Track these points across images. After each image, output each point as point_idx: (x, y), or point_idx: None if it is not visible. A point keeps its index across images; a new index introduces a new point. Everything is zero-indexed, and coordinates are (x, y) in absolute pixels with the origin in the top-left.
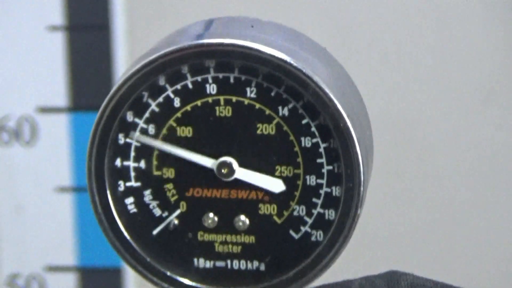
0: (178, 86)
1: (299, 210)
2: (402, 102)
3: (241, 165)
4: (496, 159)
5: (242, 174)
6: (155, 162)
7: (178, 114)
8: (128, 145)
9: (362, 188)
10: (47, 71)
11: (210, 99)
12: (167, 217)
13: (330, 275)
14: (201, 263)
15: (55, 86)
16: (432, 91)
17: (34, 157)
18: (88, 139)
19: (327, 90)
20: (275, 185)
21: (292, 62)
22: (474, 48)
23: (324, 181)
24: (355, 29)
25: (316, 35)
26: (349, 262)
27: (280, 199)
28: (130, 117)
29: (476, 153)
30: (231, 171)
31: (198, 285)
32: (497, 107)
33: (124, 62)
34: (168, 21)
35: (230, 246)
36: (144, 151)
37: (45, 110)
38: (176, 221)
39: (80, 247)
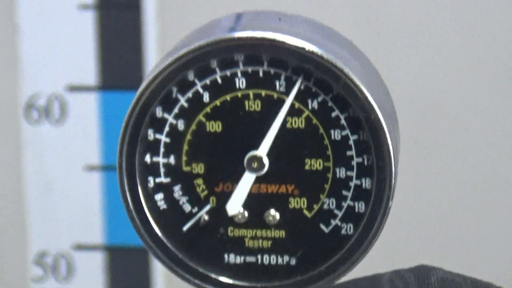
0: (207, 81)
1: (329, 203)
2: (427, 80)
3: (270, 159)
4: None
5: (246, 179)
6: (184, 158)
7: (208, 109)
8: (157, 141)
9: (393, 180)
10: (77, 50)
11: (239, 94)
12: (197, 212)
13: (360, 269)
14: (232, 258)
15: (85, 65)
16: (458, 67)
17: (63, 135)
18: (117, 118)
19: (358, 82)
20: (233, 207)
21: (323, 54)
22: (501, 22)
23: (354, 174)
24: (377, 2)
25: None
26: (379, 256)
27: (310, 193)
28: (159, 112)
29: (504, 131)
30: (261, 165)
31: (230, 280)
32: None
33: (154, 42)
34: (199, 1)
35: (260, 241)
36: (173, 147)
37: (75, 88)
38: (206, 217)
39: (108, 226)
